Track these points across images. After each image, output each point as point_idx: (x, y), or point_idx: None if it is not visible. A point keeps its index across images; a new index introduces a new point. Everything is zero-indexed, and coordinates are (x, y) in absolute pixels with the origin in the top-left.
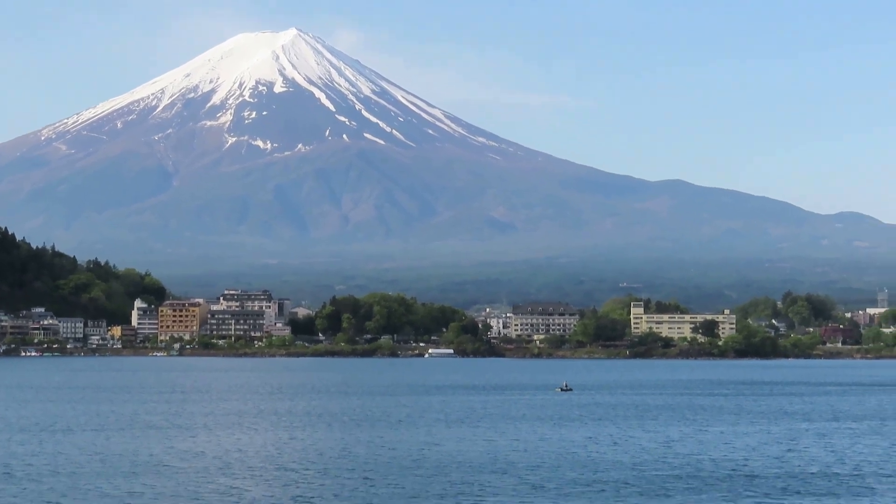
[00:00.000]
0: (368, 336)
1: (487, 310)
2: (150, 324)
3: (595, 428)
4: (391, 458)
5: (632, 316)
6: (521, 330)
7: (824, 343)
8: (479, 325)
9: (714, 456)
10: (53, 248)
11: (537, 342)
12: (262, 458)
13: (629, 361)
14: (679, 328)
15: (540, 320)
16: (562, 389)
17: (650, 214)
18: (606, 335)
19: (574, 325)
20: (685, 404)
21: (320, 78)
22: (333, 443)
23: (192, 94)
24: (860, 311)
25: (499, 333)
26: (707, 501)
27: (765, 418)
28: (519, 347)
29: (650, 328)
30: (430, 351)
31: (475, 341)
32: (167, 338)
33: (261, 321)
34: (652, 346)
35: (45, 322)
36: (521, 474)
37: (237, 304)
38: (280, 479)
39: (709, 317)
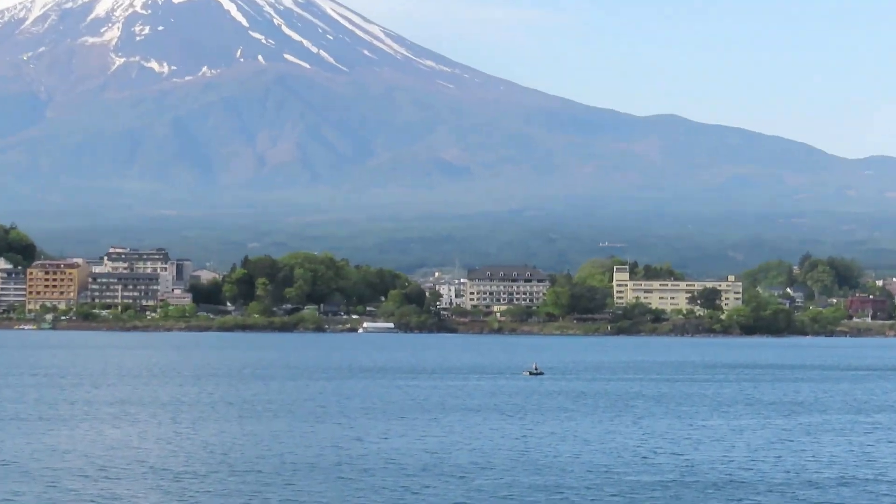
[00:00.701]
0: (288, 306)
1: (436, 274)
2: (15, 289)
3: (566, 422)
4: (310, 458)
5: (615, 283)
6: (477, 299)
7: (850, 317)
8: (427, 294)
9: (709, 458)
10: None
11: (498, 315)
12: (150, 458)
13: (611, 339)
14: (672, 298)
15: (501, 288)
16: (531, 373)
17: (638, 158)
18: (583, 306)
19: (543, 294)
20: (677, 393)
21: None
22: (241, 439)
23: (69, 4)
24: (894, 279)
25: (450, 304)
26: None
27: (774, 411)
28: (475, 321)
29: (637, 298)
30: (364, 325)
31: (421, 313)
32: (37, 307)
33: (154, 287)
34: (639, 321)
35: None
36: (470, 479)
37: (125, 265)
38: (170, 485)
39: (709, 284)
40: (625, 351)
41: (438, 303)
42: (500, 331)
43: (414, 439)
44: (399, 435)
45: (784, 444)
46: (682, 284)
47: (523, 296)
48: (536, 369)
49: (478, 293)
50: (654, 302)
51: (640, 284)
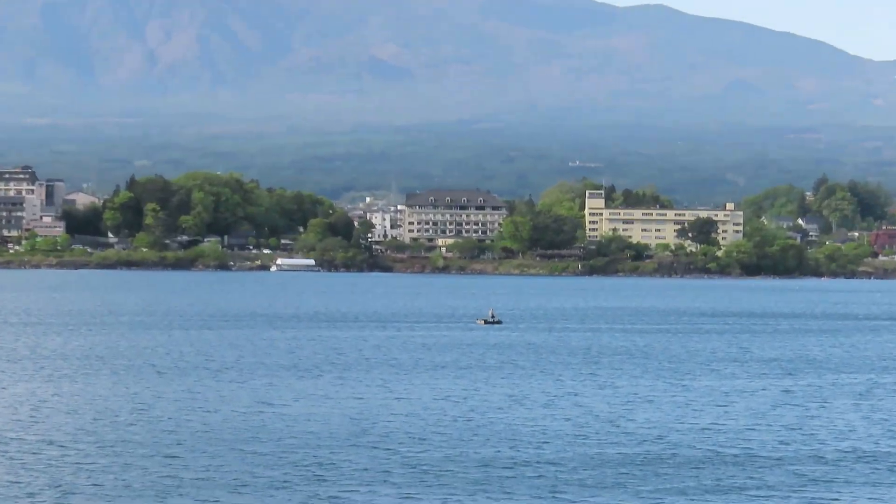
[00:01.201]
0: (185, 239)
1: (368, 200)
2: None
3: (524, 381)
4: (202, 425)
5: (587, 212)
6: (418, 231)
7: (875, 255)
8: (356, 224)
9: (696, 426)
10: None
11: (443, 250)
12: (9, 425)
13: (582, 280)
14: (658, 231)
15: (448, 217)
16: (486, 322)
17: (617, 57)
18: (548, 241)
19: (499, 226)
20: (659, 347)
21: None
22: (115, 401)
23: None
24: None
25: (385, 236)
26: (683, 499)
27: (778, 370)
28: (416, 258)
29: (614, 230)
30: (278, 261)
31: (349, 248)
32: None
33: (19, 213)
34: (617, 258)
35: None
36: (405, 452)
37: None
38: (24, 457)
39: (703, 214)
40: (599, 295)
41: (370, 235)
42: (445, 269)
43: (335, 403)
44: (315, 398)
45: (787, 410)
46: (670, 214)
47: (475, 227)
48: (493, 317)
49: (419, 223)
50: (636, 235)
51: (619, 214)
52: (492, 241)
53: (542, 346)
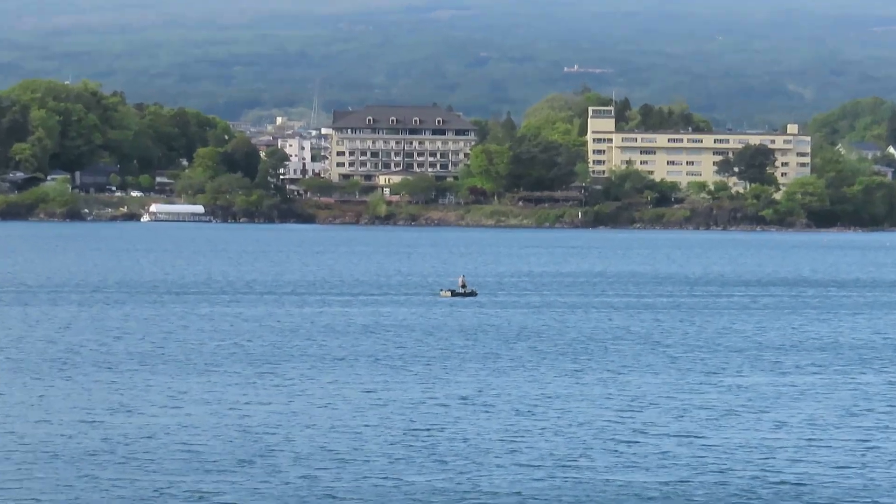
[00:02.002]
0: (19, 176)
1: (279, 121)
2: None
3: (498, 378)
4: (26, 437)
5: (590, 137)
6: (351, 165)
7: None
8: (262, 155)
9: (725, 441)
10: None
11: (386, 191)
12: None
13: (583, 234)
14: (691, 164)
15: (392, 145)
16: (454, 293)
17: None
18: (536, 178)
19: (466, 156)
20: (687, 329)
21: None
22: None
23: None
24: None
25: (304, 172)
26: None
27: (856, 361)
28: (348, 202)
29: (629, 164)
30: (153, 208)
31: (252, 188)
32: None
33: None
34: (632, 203)
35: None
36: (314, 483)
37: None
38: None
39: (755, 140)
40: (606, 256)
41: (283, 171)
42: (390, 219)
43: (223, 409)
44: (197, 401)
45: (866, 418)
46: (708, 140)
47: (431, 159)
48: (463, 287)
49: (352, 154)
50: (660, 171)
51: (635, 140)
52: (455, 178)
53: (526, 329)
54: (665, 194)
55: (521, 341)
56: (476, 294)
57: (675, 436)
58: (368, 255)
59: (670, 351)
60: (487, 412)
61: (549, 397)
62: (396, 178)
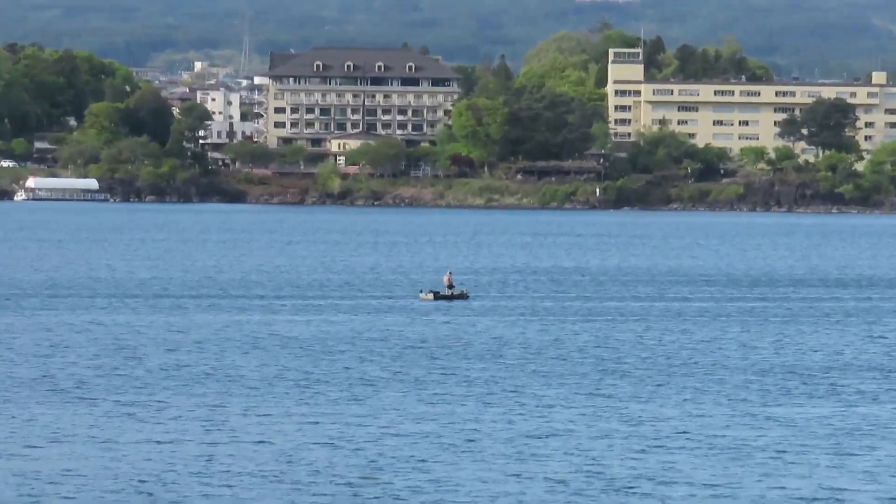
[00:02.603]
0: None
1: (198, 67)
2: None
3: (488, 410)
4: None
5: (611, 88)
6: (294, 125)
7: None
8: (176, 112)
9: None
10: None
11: (340, 160)
12: None
13: (603, 217)
14: (746, 124)
15: (349, 99)
16: (437, 296)
17: None
18: (539, 143)
19: (447, 114)
20: (741, 345)
21: None
22: None
23: None
24: None
25: (231, 135)
26: None
27: None
28: (289, 175)
29: (662, 124)
30: (29, 183)
31: (162, 157)
32: None
33: None
34: (668, 176)
35: None
36: None
37: None
38: None
39: (829, 91)
40: (632, 248)
41: (204, 133)
42: (346, 198)
43: (118, 449)
44: (73, 437)
45: None
46: (768, 92)
47: (401, 118)
48: (450, 288)
49: (294, 111)
50: (704, 133)
51: (671, 92)
52: (433, 144)
53: (526, 343)
54: (711, 165)
55: (521, 360)
56: (467, 296)
57: (717, 485)
58: (316, 245)
59: (717, 374)
60: (470, 455)
61: (553, 435)
62: (354, 144)
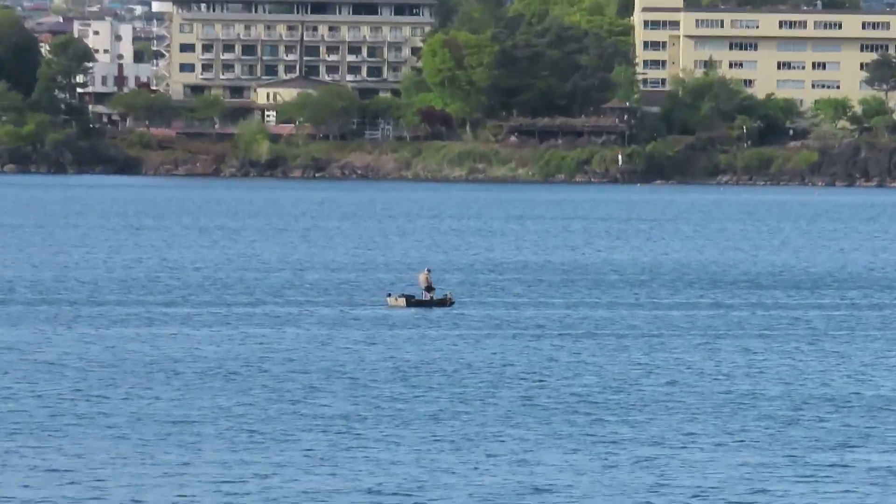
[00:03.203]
0: None
1: None
2: None
3: (458, 449)
4: None
5: (638, 18)
6: (207, 69)
7: None
8: (44, 49)
9: None
10: None
11: (270, 116)
12: None
13: (627, 193)
14: (821, 69)
15: (279, 33)
16: (411, 301)
17: None
18: (540, 94)
19: (418, 52)
20: (784, 367)
21: None
22: None
23: None
24: None
25: (119, 79)
26: None
27: None
28: (200, 138)
29: (708, 66)
30: None
31: (28, 110)
32: None
33: None
34: (714, 138)
35: None
36: None
37: None
38: None
39: None
40: (666, 235)
41: (83, 79)
42: (278, 168)
43: None
44: None
45: None
46: (851, 24)
47: (352, 59)
48: (429, 291)
49: (207, 49)
50: (763, 80)
51: (720, 23)
52: (395, 94)
53: (521, 367)
54: (774, 122)
55: (508, 387)
56: (451, 302)
57: None
58: (239, 233)
59: (781, 410)
60: None
61: (543, 490)
62: (288, 94)
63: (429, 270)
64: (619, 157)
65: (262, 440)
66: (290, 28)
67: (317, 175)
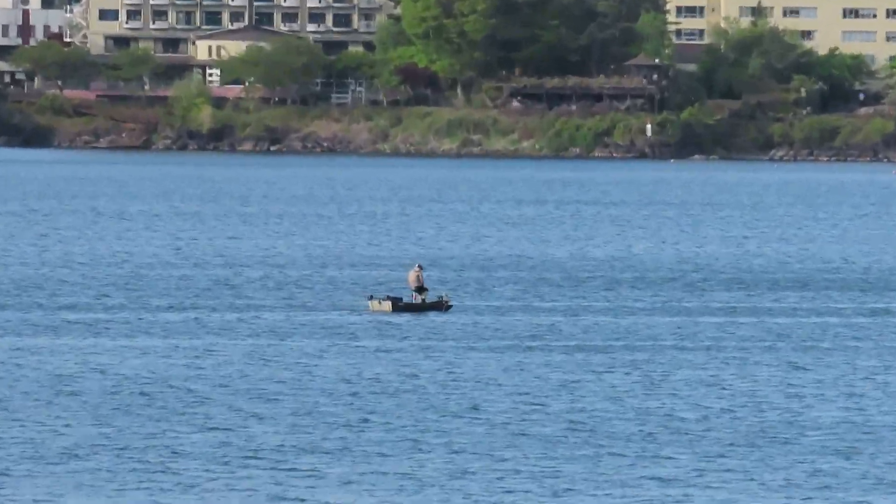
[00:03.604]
0: None
1: None
2: None
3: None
4: None
5: None
6: (133, 16)
7: None
8: None
9: None
10: None
11: (213, 74)
12: None
13: (658, 171)
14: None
15: None
16: (398, 304)
17: None
18: (548, 49)
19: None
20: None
21: None
22: None
23: None
24: None
25: (24, 28)
26: None
27: None
28: (125, 102)
29: (756, 14)
30: None
31: None
32: None
33: None
34: (765, 103)
35: None
36: None
37: None
38: None
39: None
40: (705, 222)
41: None
42: (222, 138)
43: None
44: None
45: None
46: None
47: (314, 5)
48: (420, 292)
49: None
50: (826, 31)
51: None
52: (368, 48)
53: (515, 391)
54: (839, 84)
55: (493, 412)
56: (448, 306)
57: None
58: (167, 218)
59: (817, 442)
60: None
61: None
62: (235, 47)
63: (420, 267)
64: (648, 126)
65: (177, 479)
66: None
67: (272, 148)
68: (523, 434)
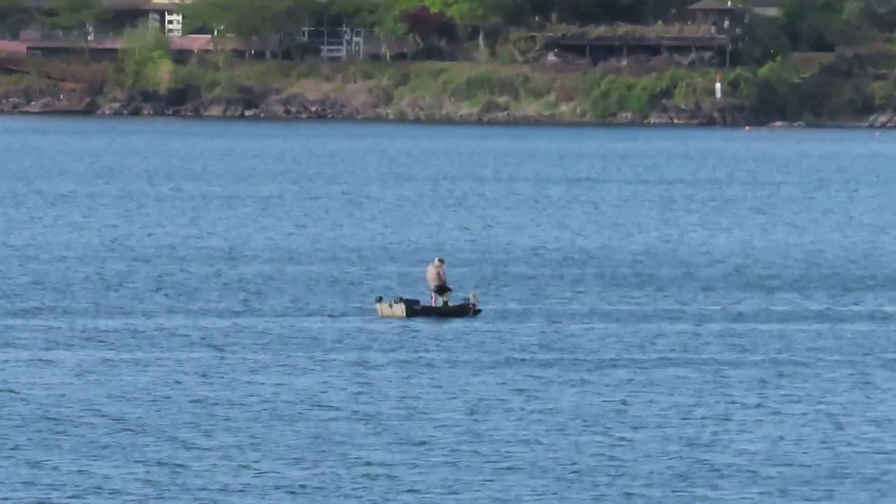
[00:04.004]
0: None
1: None
2: None
3: None
4: None
5: None
6: None
7: None
8: None
9: None
10: None
11: (174, 22)
12: None
13: (729, 142)
14: None
15: None
16: (413, 309)
17: None
18: None
19: None
20: None
21: None
22: None
23: None
24: None
25: None
26: None
27: None
28: (64, 56)
29: None
30: None
31: None
32: None
33: None
34: (863, 57)
35: None
36: None
37: None
38: None
39: None
40: (788, 205)
41: None
42: (184, 101)
43: None
44: None
45: None
46: None
47: None
48: (441, 291)
49: None
50: None
51: None
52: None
53: (528, 417)
54: None
55: (496, 441)
56: (476, 311)
57: None
58: (112, 200)
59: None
60: None
61: None
62: None
63: (441, 261)
64: (717, 85)
65: None
66: None
67: (246, 114)
68: (541, 465)
